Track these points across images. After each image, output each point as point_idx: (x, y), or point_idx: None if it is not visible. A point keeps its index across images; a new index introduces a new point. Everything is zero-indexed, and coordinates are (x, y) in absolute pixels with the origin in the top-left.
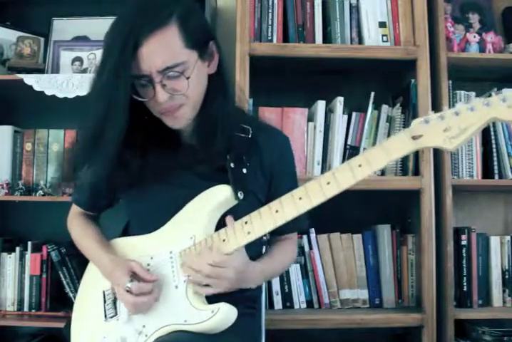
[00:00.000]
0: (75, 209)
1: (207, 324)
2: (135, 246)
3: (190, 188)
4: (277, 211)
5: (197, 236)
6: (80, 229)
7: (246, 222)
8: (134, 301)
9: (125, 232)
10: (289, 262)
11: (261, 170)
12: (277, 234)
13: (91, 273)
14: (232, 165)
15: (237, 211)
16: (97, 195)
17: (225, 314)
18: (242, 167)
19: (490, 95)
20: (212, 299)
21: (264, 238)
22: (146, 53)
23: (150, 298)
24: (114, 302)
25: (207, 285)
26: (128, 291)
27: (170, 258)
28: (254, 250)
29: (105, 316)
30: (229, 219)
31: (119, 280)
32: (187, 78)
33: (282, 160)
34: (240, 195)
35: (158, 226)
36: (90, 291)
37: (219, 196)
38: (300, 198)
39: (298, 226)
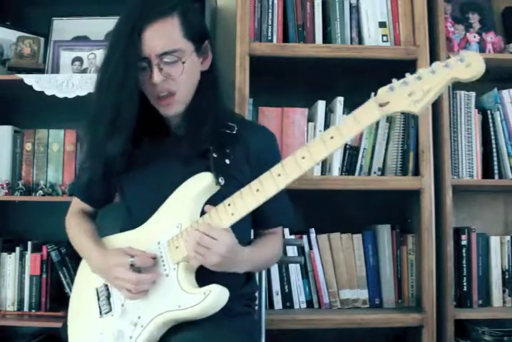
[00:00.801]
0: (73, 207)
1: (201, 306)
2: (125, 242)
3: (176, 177)
4: (257, 190)
5: (183, 224)
6: (75, 227)
7: (229, 204)
8: (137, 277)
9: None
10: (273, 256)
11: (247, 162)
12: (262, 227)
13: (83, 272)
14: (214, 155)
15: (222, 198)
16: (95, 184)
17: (217, 295)
18: (225, 158)
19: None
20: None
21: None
22: (148, 37)
23: (153, 275)
24: (108, 298)
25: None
26: (131, 266)
27: (159, 249)
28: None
29: (100, 313)
30: (208, 207)
31: (118, 261)
32: (183, 63)
33: (269, 154)
34: (221, 181)
35: (147, 215)
36: (83, 290)
37: (202, 182)
38: (279, 174)
39: (282, 219)
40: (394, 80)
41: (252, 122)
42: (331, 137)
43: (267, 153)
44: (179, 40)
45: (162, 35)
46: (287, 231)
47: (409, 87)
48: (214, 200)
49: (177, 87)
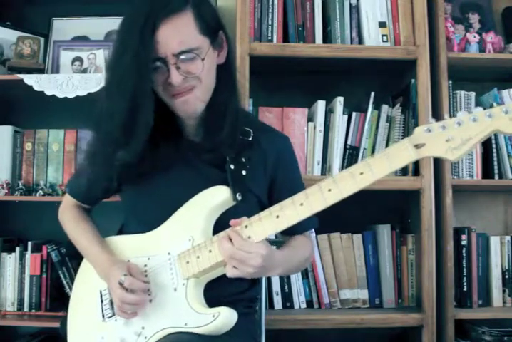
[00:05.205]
0: (68, 201)
1: (208, 328)
2: (131, 246)
3: (189, 185)
4: (277, 216)
5: (196, 237)
6: (74, 223)
7: (246, 226)
8: (122, 295)
9: (121, 231)
10: (307, 256)
11: (263, 172)
12: (288, 234)
13: (87, 272)
14: (231, 167)
15: (236, 212)
16: (95, 187)
17: (226, 318)
18: (242, 168)
19: (491, 106)
20: (210, 300)
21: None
22: (163, 36)
23: (139, 299)
24: (111, 302)
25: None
26: (120, 284)
27: (169, 260)
28: None
29: (103, 316)
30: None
31: (114, 274)
32: (203, 60)
33: (284, 163)
34: (239, 196)
35: (155, 222)
36: (86, 290)
37: (218, 197)
38: (301, 204)
39: (308, 225)
40: (432, 121)
41: (266, 126)
42: (361, 173)
43: (284, 161)
44: (195, 37)
45: (178, 33)
46: None
47: (447, 132)
48: (228, 213)
49: (197, 83)
